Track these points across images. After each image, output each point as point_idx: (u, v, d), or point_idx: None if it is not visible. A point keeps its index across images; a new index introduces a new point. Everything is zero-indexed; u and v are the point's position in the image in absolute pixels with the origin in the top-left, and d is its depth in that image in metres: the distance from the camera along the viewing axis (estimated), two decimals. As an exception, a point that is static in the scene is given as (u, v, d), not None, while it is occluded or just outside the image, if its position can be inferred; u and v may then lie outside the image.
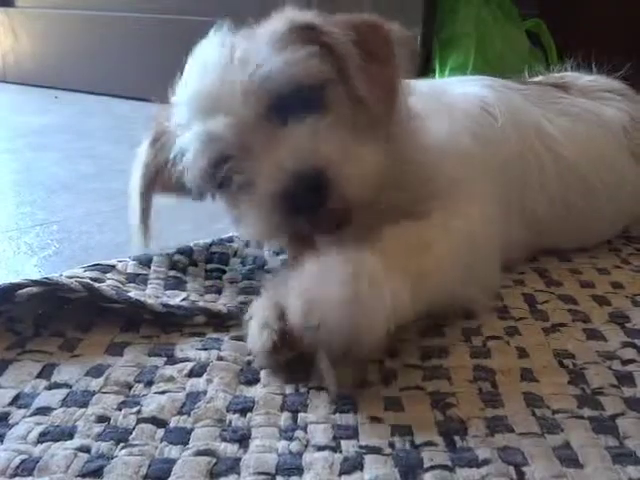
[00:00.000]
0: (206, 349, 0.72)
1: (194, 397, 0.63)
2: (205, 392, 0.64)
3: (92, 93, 2.39)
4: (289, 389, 0.65)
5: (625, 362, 0.70)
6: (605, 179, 0.98)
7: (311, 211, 0.68)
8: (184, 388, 0.65)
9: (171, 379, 0.66)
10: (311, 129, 0.70)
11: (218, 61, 0.73)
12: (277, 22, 0.76)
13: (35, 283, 0.74)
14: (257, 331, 0.68)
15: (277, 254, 0.97)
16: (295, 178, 0.67)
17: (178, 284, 0.86)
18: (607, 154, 1.00)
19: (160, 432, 0.59)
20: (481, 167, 0.85)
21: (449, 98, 0.93)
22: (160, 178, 0.85)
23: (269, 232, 0.73)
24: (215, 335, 0.75)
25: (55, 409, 0.61)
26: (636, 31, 2.01)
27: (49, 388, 0.64)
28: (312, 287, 0.62)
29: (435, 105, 0.88)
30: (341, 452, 0.56)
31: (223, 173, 0.73)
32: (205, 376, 0.67)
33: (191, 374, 0.67)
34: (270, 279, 0.84)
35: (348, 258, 0.63)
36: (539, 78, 1.12)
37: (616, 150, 1.01)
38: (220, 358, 0.70)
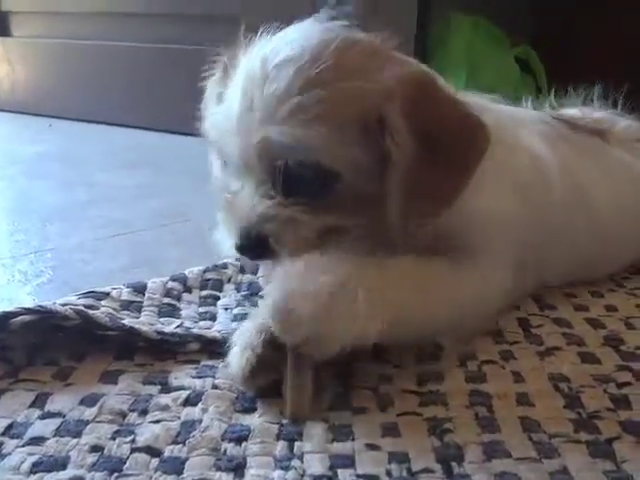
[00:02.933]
0: (201, 377, 0.71)
1: (189, 426, 0.63)
2: (200, 421, 0.63)
3: (86, 121, 2.40)
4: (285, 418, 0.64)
5: (620, 385, 0.70)
6: (630, 234, 0.99)
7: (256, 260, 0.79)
8: (179, 417, 0.64)
9: (166, 408, 0.66)
10: (273, 205, 0.71)
11: (269, 84, 0.69)
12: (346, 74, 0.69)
13: (29, 311, 0.73)
14: (238, 354, 0.68)
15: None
16: (241, 238, 0.73)
17: (172, 311, 0.86)
18: (638, 211, 0.99)
19: (154, 462, 0.58)
20: (517, 231, 0.81)
21: (504, 151, 0.82)
22: None
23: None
24: (210, 362, 0.74)
25: (48, 439, 0.60)
26: (623, 55, 2.04)
27: (42, 417, 0.64)
28: (294, 278, 0.64)
29: (495, 162, 0.79)
30: (338, 481, 0.56)
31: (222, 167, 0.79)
32: (200, 405, 0.66)
33: (186, 403, 0.67)
34: (258, 304, 0.84)
35: (341, 261, 0.65)
36: (579, 116, 1.06)
37: None
38: (215, 386, 0.69)
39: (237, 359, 0.68)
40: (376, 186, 0.70)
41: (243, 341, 0.69)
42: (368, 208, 0.71)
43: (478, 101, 0.89)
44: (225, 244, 0.77)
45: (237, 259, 0.98)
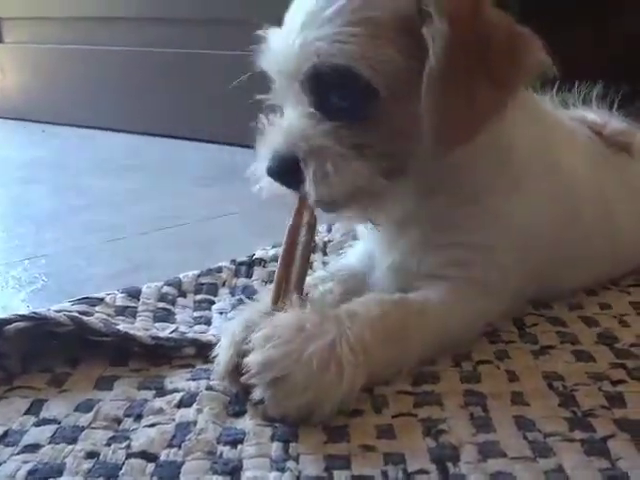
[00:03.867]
0: (195, 379, 0.71)
1: (184, 428, 0.63)
2: (195, 422, 0.64)
3: (80, 126, 2.39)
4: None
5: (615, 383, 0.70)
6: None
7: (293, 188, 0.72)
8: (174, 419, 0.64)
9: (160, 411, 0.66)
10: (316, 125, 0.69)
11: (296, 10, 0.71)
12: None
13: (23, 318, 0.73)
14: (223, 351, 0.69)
15: (266, 283, 0.97)
16: (273, 159, 0.71)
17: (167, 316, 0.86)
18: None
19: (150, 467, 0.58)
20: (539, 255, 0.80)
21: (553, 167, 0.83)
22: None
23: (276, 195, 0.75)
24: (205, 366, 0.74)
25: (44, 446, 0.60)
26: (608, 54, 2.04)
27: (37, 425, 0.64)
28: (280, 345, 0.63)
29: (537, 171, 0.80)
30: (333, 482, 0.56)
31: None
32: (195, 406, 0.66)
33: (180, 404, 0.67)
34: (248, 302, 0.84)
35: (325, 330, 0.65)
36: (600, 124, 1.02)
37: None
38: (209, 388, 0.69)
39: (222, 356, 0.69)
40: (414, 109, 0.66)
41: (228, 338, 0.70)
42: (405, 139, 0.70)
43: (541, 102, 0.89)
44: (263, 179, 0.74)
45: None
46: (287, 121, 0.72)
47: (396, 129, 0.70)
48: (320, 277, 0.86)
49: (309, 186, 0.70)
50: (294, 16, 0.71)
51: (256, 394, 0.64)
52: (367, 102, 0.68)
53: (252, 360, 0.63)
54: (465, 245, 0.77)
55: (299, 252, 0.74)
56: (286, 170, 0.71)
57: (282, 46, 0.71)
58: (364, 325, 0.67)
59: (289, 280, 0.74)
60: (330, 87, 0.69)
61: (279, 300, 0.72)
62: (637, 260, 1.00)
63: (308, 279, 0.82)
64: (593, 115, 1.04)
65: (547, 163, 0.82)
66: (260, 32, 0.75)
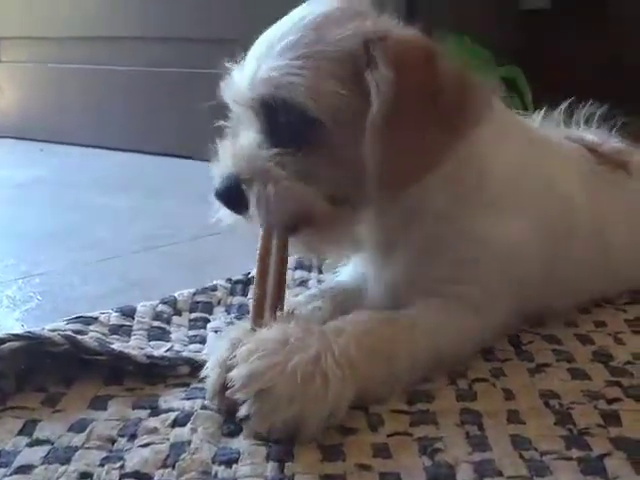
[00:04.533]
0: (190, 399, 0.71)
1: (178, 448, 0.62)
2: (189, 442, 0.63)
3: (77, 145, 2.40)
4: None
5: (610, 401, 0.70)
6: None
7: (238, 213, 0.74)
8: (168, 439, 0.64)
9: (154, 430, 0.65)
10: (261, 149, 0.72)
11: (274, 31, 0.74)
12: (338, 29, 0.71)
13: (17, 337, 0.73)
14: (210, 371, 0.69)
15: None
16: (221, 182, 0.73)
17: (162, 334, 0.86)
18: None
19: (144, 487, 0.57)
20: (528, 278, 0.80)
21: (538, 191, 0.82)
22: None
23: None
24: (200, 385, 0.74)
25: (36, 467, 0.60)
26: (605, 72, 2.07)
27: (31, 445, 0.63)
28: (263, 357, 0.63)
29: (519, 196, 0.80)
30: (329, 502, 0.55)
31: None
32: (189, 425, 0.66)
33: (175, 424, 0.66)
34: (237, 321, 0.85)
35: (310, 343, 0.65)
36: (598, 143, 1.03)
37: None
38: (204, 407, 0.69)
39: (210, 374, 0.69)
40: (357, 147, 0.68)
41: (215, 358, 0.70)
42: (350, 169, 0.71)
43: (519, 120, 0.90)
44: (216, 204, 0.76)
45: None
46: (236, 145, 0.75)
47: (341, 159, 0.72)
48: (311, 295, 0.86)
49: (252, 209, 0.72)
50: (254, 49, 0.75)
51: (242, 410, 0.63)
52: (312, 131, 0.71)
53: (236, 374, 0.63)
54: (449, 262, 0.77)
55: (272, 271, 0.74)
56: (231, 192, 0.73)
57: (238, 76, 0.75)
58: (350, 340, 0.67)
59: (266, 299, 0.74)
60: (278, 115, 0.72)
61: (258, 319, 0.72)
62: (633, 278, 1.00)
63: (299, 297, 0.82)
64: (591, 135, 1.05)
65: (528, 181, 0.82)
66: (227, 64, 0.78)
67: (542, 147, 0.89)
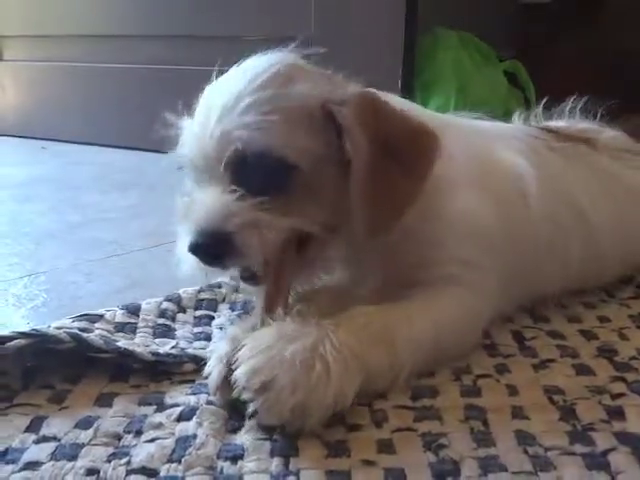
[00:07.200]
0: (195, 394, 0.71)
1: (184, 442, 0.63)
2: (195, 436, 0.64)
3: (79, 143, 2.40)
4: (278, 434, 0.64)
5: (615, 396, 0.70)
6: (622, 248, 0.98)
7: (216, 266, 0.74)
8: (173, 433, 0.64)
9: (160, 425, 0.66)
10: (241, 201, 0.72)
11: (227, 90, 0.75)
12: (303, 79, 0.75)
13: (23, 335, 0.73)
14: (212, 367, 0.70)
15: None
16: (199, 235, 0.72)
17: (167, 332, 0.86)
18: (628, 220, 0.99)
19: (151, 483, 0.58)
20: (500, 247, 0.82)
21: (484, 167, 0.86)
22: None
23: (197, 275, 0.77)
24: (205, 381, 0.74)
25: (44, 463, 0.60)
26: (605, 66, 2.07)
27: (38, 442, 0.64)
28: (262, 352, 0.64)
29: (468, 175, 0.83)
30: (334, 497, 0.56)
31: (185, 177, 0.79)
32: (195, 419, 0.66)
33: (180, 418, 0.67)
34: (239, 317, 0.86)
35: (307, 333, 0.66)
36: (564, 127, 1.08)
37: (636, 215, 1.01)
38: (210, 402, 0.69)
39: (212, 371, 0.70)
40: (334, 186, 0.74)
41: (216, 355, 0.71)
42: (330, 209, 0.75)
43: (440, 117, 0.94)
44: (185, 257, 0.75)
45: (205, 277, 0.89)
46: (209, 199, 0.73)
47: (321, 197, 0.75)
48: (308, 292, 0.86)
49: (239, 257, 0.72)
50: (208, 109, 0.75)
51: (250, 407, 0.64)
52: (289, 177, 0.73)
53: (238, 373, 0.64)
54: (419, 245, 0.79)
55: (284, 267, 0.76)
56: (213, 245, 0.72)
57: (201, 135, 0.74)
58: (349, 331, 0.68)
59: (279, 292, 0.75)
60: (251, 167, 0.72)
61: (270, 313, 0.73)
62: (616, 253, 0.98)
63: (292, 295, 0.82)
64: (561, 122, 1.08)
65: (473, 160, 0.84)
66: (171, 120, 0.81)
67: (482, 132, 0.93)
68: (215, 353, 0.72)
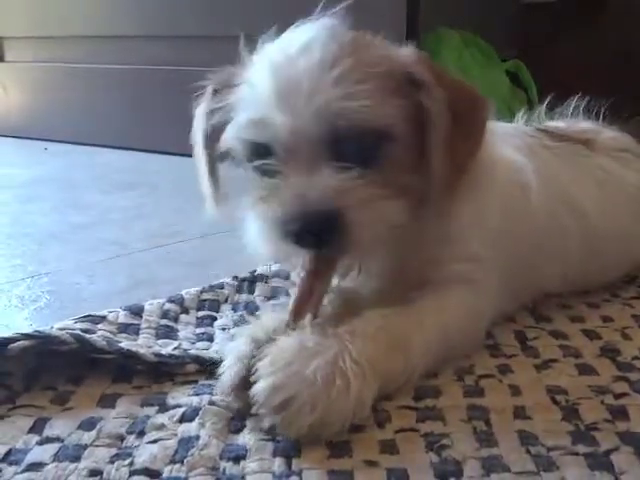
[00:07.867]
0: (198, 395, 0.71)
1: (186, 443, 0.63)
2: (197, 437, 0.64)
3: (82, 144, 2.41)
4: (280, 434, 0.64)
5: (618, 396, 0.70)
6: (622, 248, 0.99)
7: (313, 248, 0.71)
8: (176, 434, 0.64)
9: (162, 426, 0.66)
10: (344, 178, 0.69)
11: (302, 62, 0.70)
12: (379, 56, 0.73)
13: (26, 337, 0.73)
14: (229, 367, 0.70)
15: (268, 299, 0.97)
16: (305, 218, 0.68)
17: (169, 333, 0.86)
18: (627, 220, 1.00)
19: (154, 484, 0.58)
20: (502, 242, 0.83)
21: (485, 161, 0.83)
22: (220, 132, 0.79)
23: (273, 254, 0.75)
24: (207, 382, 0.74)
25: (47, 464, 0.60)
26: (607, 65, 2.06)
27: (41, 443, 0.64)
28: (283, 368, 0.64)
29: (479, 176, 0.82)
30: (337, 498, 0.56)
31: (257, 161, 0.73)
32: (197, 420, 0.66)
33: (182, 419, 0.67)
34: (255, 316, 0.85)
35: (327, 346, 0.66)
36: (562, 127, 1.08)
37: (636, 215, 1.01)
38: (212, 403, 0.69)
39: (228, 372, 0.69)
40: (417, 147, 0.73)
41: (234, 354, 0.70)
42: (416, 175, 0.74)
43: None
44: (265, 246, 0.72)
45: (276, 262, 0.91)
46: (306, 180, 0.69)
47: (408, 166, 0.74)
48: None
49: (351, 236, 0.69)
50: (285, 82, 0.70)
51: (266, 422, 0.64)
52: (384, 148, 0.72)
53: (258, 388, 0.64)
54: (434, 243, 0.80)
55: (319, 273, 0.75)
56: (315, 230, 0.68)
57: (288, 110, 0.69)
58: (366, 339, 0.68)
59: (311, 297, 0.74)
60: (351, 141, 0.70)
61: (298, 317, 0.72)
62: (610, 243, 0.97)
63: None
64: (560, 123, 1.08)
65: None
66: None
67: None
68: (233, 352, 0.71)
